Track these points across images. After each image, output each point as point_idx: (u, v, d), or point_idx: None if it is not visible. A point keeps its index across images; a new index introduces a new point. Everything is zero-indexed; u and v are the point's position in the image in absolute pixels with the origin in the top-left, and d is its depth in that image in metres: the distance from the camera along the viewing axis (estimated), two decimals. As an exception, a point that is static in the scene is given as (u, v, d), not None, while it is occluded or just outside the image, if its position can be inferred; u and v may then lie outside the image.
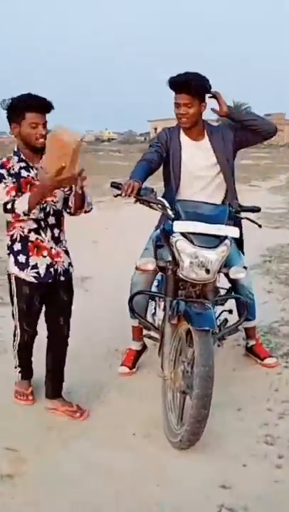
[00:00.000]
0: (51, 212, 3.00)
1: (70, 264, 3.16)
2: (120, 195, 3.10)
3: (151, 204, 3.11)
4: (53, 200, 2.99)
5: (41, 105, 2.87)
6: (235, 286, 3.65)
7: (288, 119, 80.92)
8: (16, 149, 2.99)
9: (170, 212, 3.05)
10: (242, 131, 3.51)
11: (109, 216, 9.70)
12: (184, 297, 3.00)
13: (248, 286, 3.69)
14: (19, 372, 3.36)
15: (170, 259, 3.01)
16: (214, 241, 2.89)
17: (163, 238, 3.21)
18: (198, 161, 3.46)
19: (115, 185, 3.12)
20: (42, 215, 2.95)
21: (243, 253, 3.72)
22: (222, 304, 3.64)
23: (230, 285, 3.68)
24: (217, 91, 3.42)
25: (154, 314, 3.55)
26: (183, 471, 2.71)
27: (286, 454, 2.80)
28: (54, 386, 3.29)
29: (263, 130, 3.47)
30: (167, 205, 3.10)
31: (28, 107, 2.85)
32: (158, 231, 3.46)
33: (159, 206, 3.10)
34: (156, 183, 3.67)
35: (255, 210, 3.33)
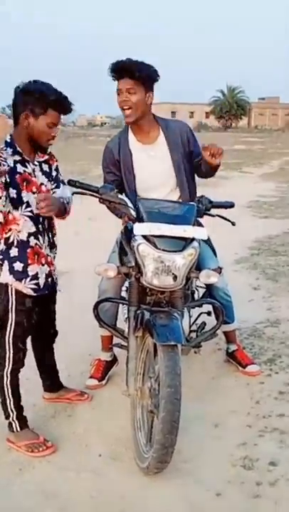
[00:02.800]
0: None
1: (56, 275, 2.95)
2: (79, 193, 2.84)
3: (112, 203, 2.83)
4: None
5: (67, 108, 2.67)
6: (209, 287, 3.37)
7: (282, 103, 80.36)
8: (9, 139, 2.67)
9: (132, 213, 2.76)
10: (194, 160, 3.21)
11: (94, 206, 9.37)
12: (151, 305, 2.71)
13: (222, 288, 3.41)
14: (15, 420, 2.82)
15: (133, 264, 2.72)
16: (180, 244, 2.59)
17: (124, 241, 2.91)
18: (152, 169, 3.18)
19: (73, 184, 2.83)
20: (40, 218, 2.69)
21: (215, 254, 3.39)
22: (200, 306, 3.38)
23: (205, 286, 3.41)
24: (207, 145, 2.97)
25: (127, 319, 3.27)
26: (149, 502, 2.44)
27: (265, 480, 2.54)
28: (54, 380, 3.23)
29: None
30: (130, 204, 2.81)
31: (55, 104, 2.61)
32: None
33: (121, 206, 2.81)
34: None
35: (228, 206, 3.05)
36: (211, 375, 3.59)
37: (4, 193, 2.50)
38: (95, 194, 2.83)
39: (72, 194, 2.88)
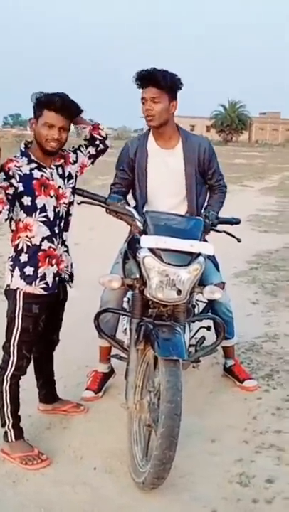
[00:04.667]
0: (64, 215, 2.83)
1: (71, 265, 2.97)
2: (86, 202, 2.87)
3: (119, 214, 2.83)
4: (64, 202, 2.81)
5: (64, 107, 2.67)
6: (211, 302, 3.36)
7: (283, 118, 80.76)
8: (23, 148, 2.76)
9: (139, 225, 2.76)
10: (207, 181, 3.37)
11: (95, 215, 9.36)
12: (154, 318, 2.70)
13: (225, 303, 3.40)
14: (11, 428, 2.80)
15: (138, 276, 2.71)
16: (186, 258, 2.58)
17: (130, 252, 2.91)
18: (165, 175, 3.20)
19: (80, 193, 2.86)
20: (57, 220, 2.77)
21: (218, 269, 3.39)
22: (199, 320, 3.36)
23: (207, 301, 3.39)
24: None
25: (126, 330, 3.26)
26: (144, 518, 2.41)
27: (261, 497, 2.51)
28: (51, 391, 3.22)
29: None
30: (137, 216, 2.81)
31: (49, 104, 2.65)
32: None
33: (128, 217, 2.82)
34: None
35: (234, 222, 3.05)
36: (208, 390, 3.56)
37: (6, 206, 2.54)
38: (102, 204, 2.85)
39: (79, 203, 2.91)
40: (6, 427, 2.81)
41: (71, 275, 2.98)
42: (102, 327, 3.07)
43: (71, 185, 2.88)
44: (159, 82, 3.01)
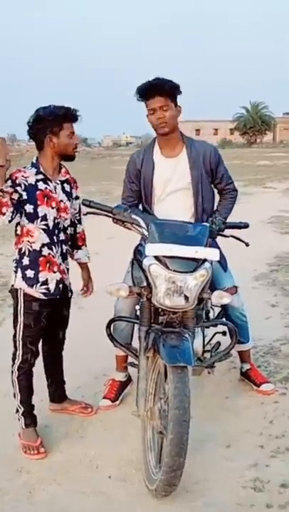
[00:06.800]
0: (62, 227, 3.00)
1: (70, 283, 3.16)
2: (92, 213, 2.96)
3: (126, 223, 2.87)
4: (64, 217, 3.00)
5: (76, 116, 2.94)
6: (224, 307, 3.35)
7: (307, 117, 79.75)
8: (34, 160, 2.96)
9: (145, 232, 2.79)
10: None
11: (114, 225, 9.44)
12: (163, 325, 2.72)
13: (238, 308, 3.39)
14: (22, 416, 3.04)
15: (145, 284, 2.73)
16: (192, 265, 2.59)
17: (136, 261, 2.93)
18: (171, 179, 3.22)
19: (86, 204, 2.92)
20: (56, 230, 2.95)
21: (225, 269, 3.37)
22: (214, 326, 3.36)
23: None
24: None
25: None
26: (157, 525, 2.42)
27: (275, 502, 2.49)
28: (59, 391, 3.34)
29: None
30: (143, 224, 2.84)
31: (66, 117, 2.90)
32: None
33: (134, 225, 2.85)
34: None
35: (242, 226, 3.04)
36: (224, 395, 3.55)
37: (10, 208, 2.73)
38: (108, 214, 2.89)
39: (86, 214, 3.04)
40: (19, 414, 3.04)
41: (70, 287, 3.16)
42: (116, 336, 3.11)
43: (73, 207, 3.10)
44: (163, 90, 3.08)
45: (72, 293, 3.19)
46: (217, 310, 3.46)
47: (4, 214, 2.72)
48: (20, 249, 2.95)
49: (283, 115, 79.65)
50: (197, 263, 2.61)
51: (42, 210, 2.89)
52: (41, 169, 2.92)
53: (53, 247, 2.96)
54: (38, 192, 2.88)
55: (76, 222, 3.20)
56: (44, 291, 2.94)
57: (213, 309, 3.47)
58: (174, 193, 3.25)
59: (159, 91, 3.08)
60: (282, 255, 7.22)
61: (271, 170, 23.37)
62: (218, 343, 3.26)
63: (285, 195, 14.71)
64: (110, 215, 2.90)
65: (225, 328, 3.34)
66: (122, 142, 76.80)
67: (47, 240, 2.93)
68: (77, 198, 3.14)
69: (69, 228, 3.12)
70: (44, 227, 2.91)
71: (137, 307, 3.20)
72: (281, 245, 7.73)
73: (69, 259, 3.17)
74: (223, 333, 3.38)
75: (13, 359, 3.02)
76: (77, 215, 3.19)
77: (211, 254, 2.65)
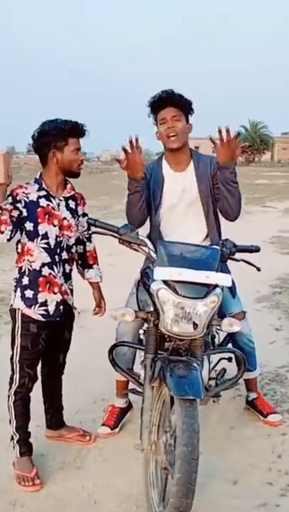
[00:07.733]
0: (65, 246, 2.87)
1: (73, 303, 3.02)
2: (96, 232, 2.90)
3: (132, 245, 2.73)
4: (68, 235, 2.87)
5: (83, 131, 2.84)
6: (232, 333, 3.20)
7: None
8: (38, 176, 2.85)
9: (154, 255, 2.66)
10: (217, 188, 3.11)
11: (114, 240, 9.31)
12: (169, 352, 2.57)
13: (246, 334, 3.26)
14: (17, 444, 2.88)
15: (152, 309, 2.58)
16: (202, 290, 2.45)
17: (143, 285, 2.79)
18: (180, 195, 3.13)
19: (92, 223, 2.83)
20: (58, 249, 2.82)
21: (234, 295, 3.24)
22: (219, 352, 3.20)
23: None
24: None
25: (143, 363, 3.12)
26: None
27: None
28: (57, 417, 3.19)
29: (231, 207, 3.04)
30: (150, 246, 2.71)
31: (72, 132, 2.79)
32: None
33: (141, 246, 2.72)
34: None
35: (254, 250, 2.90)
36: (229, 425, 3.38)
37: (9, 227, 2.64)
38: (114, 234, 2.78)
39: (91, 234, 2.96)
40: (13, 441, 2.89)
41: (72, 309, 3.03)
42: (117, 360, 2.95)
43: (81, 224, 2.97)
44: (177, 101, 3.05)
45: (79, 313, 3.05)
46: (222, 335, 3.32)
47: (3, 232, 2.63)
48: (20, 268, 2.83)
49: (282, 135, 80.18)
50: (208, 289, 2.47)
51: (43, 228, 2.77)
52: (44, 185, 2.81)
53: (54, 266, 2.83)
54: (39, 209, 2.76)
55: (85, 240, 3.06)
56: (43, 312, 2.81)
57: (218, 334, 3.33)
58: (182, 209, 3.16)
59: (171, 102, 3.04)
60: (284, 277, 7.09)
61: (270, 189, 23.37)
62: (224, 370, 3.10)
63: (284, 215, 14.64)
64: (116, 235, 2.77)
65: (231, 354, 3.20)
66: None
67: (48, 260, 2.80)
68: (84, 215, 3.00)
69: (78, 246, 3.00)
70: (45, 245, 2.79)
71: (141, 331, 3.07)
72: (283, 266, 7.59)
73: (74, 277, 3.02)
74: (229, 359, 3.23)
75: (10, 383, 2.88)
76: (86, 232, 3.05)
77: (223, 279, 2.51)
